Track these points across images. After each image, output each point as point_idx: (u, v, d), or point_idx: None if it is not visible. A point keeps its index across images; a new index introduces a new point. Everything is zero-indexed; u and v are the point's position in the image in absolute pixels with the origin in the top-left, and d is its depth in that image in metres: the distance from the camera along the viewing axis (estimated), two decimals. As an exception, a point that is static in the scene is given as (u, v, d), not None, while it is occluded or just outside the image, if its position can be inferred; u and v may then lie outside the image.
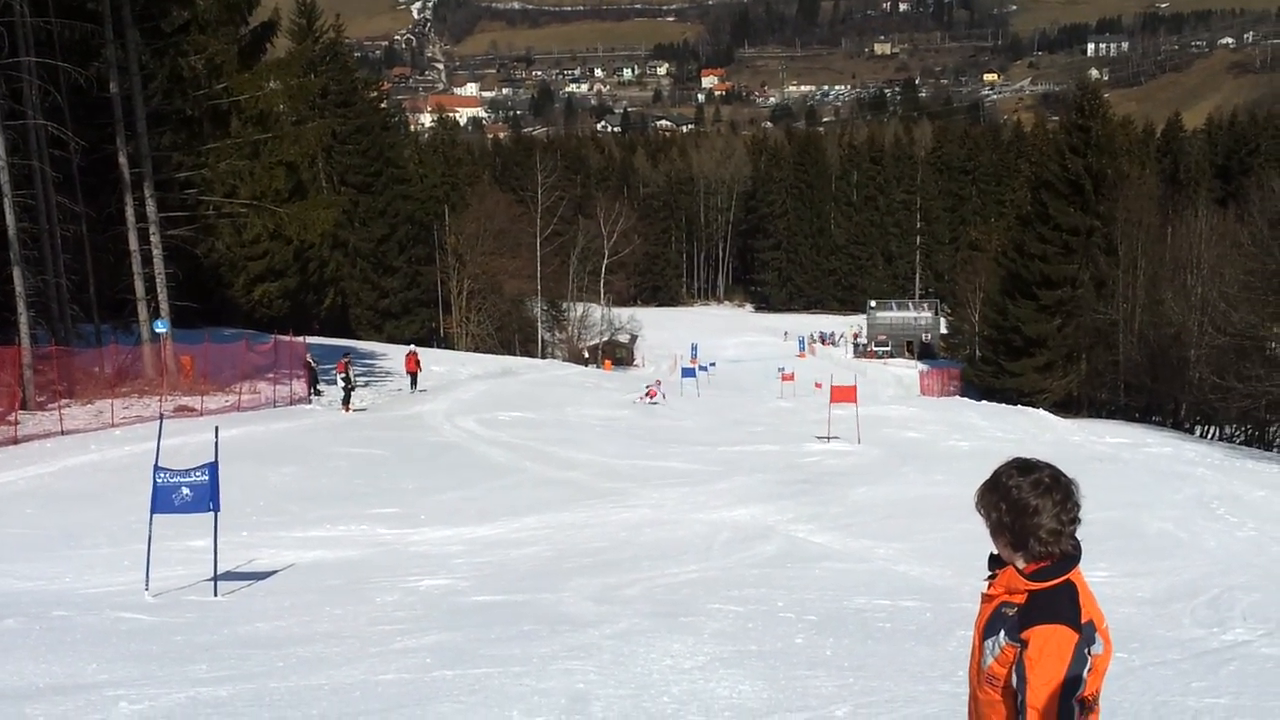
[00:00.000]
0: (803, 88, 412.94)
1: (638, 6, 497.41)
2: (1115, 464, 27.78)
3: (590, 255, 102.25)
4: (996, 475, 3.58)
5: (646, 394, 43.63)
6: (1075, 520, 3.49)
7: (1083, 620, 3.40)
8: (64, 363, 30.29)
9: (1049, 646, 3.36)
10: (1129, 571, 14.21)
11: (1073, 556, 3.49)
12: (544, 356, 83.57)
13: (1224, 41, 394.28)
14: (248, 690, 8.11)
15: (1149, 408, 57.65)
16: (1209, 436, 49.42)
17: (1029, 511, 3.47)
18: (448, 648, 9.61)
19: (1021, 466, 3.56)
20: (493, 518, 18.07)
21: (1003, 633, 3.48)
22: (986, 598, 3.62)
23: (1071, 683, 3.35)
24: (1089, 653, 3.39)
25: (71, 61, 32.01)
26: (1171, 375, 54.66)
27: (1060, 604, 3.42)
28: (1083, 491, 3.56)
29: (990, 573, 3.65)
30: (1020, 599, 3.47)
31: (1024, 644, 3.40)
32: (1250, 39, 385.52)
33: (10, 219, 28.51)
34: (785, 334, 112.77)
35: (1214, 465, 29.22)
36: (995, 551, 3.64)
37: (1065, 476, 3.53)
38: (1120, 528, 17.20)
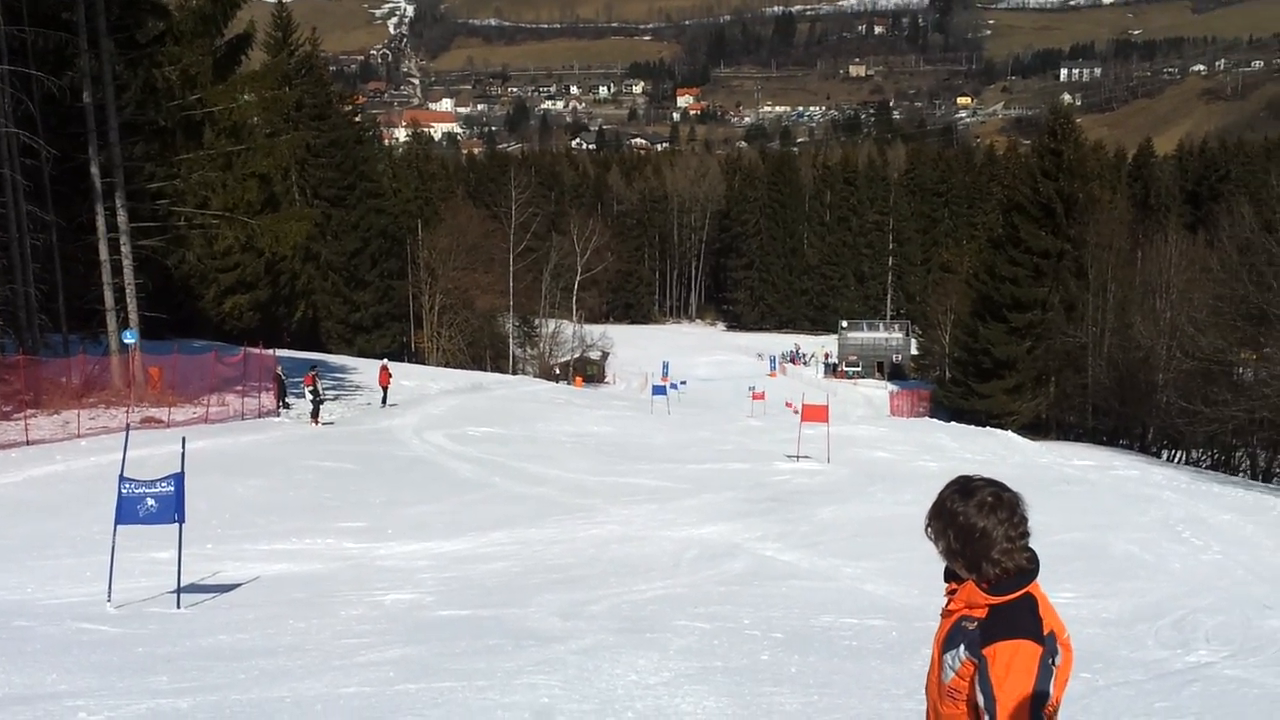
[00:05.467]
0: (777, 108, 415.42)
1: (614, 25, 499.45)
2: (1083, 486, 27.93)
3: (563, 272, 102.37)
4: (940, 501, 3.56)
5: None
6: (1025, 534, 3.47)
7: (1044, 632, 3.38)
8: (31, 372, 29.97)
9: (1015, 663, 3.33)
10: (1094, 592, 14.28)
11: (1029, 570, 3.47)
12: (515, 372, 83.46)
13: (1196, 69, 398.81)
14: (209, 702, 8.05)
15: (1117, 431, 58.03)
16: (1176, 460, 49.71)
17: (977, 535, 3.45)
18: (412, 661, 9.56)
19: (963, 489, 3.52)
20: (460, 532, 18.00)
21: (962, 647, 3.45)
22: (946, 612, 3.61)
23: (1039, 697, 3.32)
24: (1053, 664, 3.37)
25: (45, 70, 31.87)
26: (1140, 399, 55.04)
27: (1022, 618, 3.39)
28: (1035, 507, 3.54)
29: (949, 586, 3.64)
30: (981, 613, 3.44)
31: (985, 660, 3.36)
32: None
33: (-21, 227, 28.33)
34: (759, 355, 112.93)
35: (1180, 489, 29.39)
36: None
37: (1008, 492, 3.50)
38: (1086, 549, 17.29)
